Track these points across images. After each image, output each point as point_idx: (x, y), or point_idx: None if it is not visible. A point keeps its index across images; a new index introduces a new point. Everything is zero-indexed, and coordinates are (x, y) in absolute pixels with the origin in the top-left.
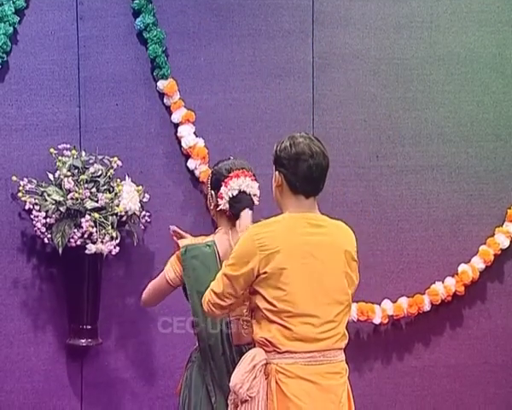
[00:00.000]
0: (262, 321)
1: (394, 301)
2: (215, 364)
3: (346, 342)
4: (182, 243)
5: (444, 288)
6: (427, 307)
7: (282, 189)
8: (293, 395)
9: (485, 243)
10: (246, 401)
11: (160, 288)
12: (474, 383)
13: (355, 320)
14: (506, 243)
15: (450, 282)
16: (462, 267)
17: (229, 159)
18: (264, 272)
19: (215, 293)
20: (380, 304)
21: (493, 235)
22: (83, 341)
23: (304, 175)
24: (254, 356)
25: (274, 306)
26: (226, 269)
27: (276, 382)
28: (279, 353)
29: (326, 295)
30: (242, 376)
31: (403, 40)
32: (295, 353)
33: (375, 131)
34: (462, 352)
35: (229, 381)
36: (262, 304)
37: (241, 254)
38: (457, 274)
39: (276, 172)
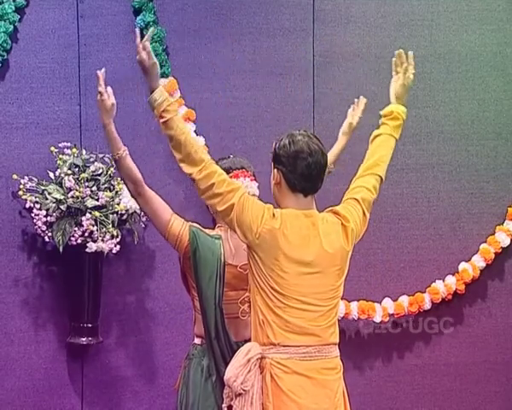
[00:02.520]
0: (258, 313)
1: (395, 300)
2: (211, 344)
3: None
4: (193, 224)
5: (444, 286)
6: (427, 306)
7: (281, 186)
8: (289, 390)
9: (485, 242)
10: (240, 394)
11: (158, 209)
12: (474, 382)
13: (355, 319)
14: (507, 242)
15: (451, 280)
16: (462, 266)
17: (229, 157)
18: (257, 253)
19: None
20: (380, 302)
21: (494, 233)
22: (83, 339)
23: (302, 173)
24: (249, 350)
25: (268, 297)
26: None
27: (272, 376)
28: (274, 346)
29: (319, 292)
30: (237, 369)
31: (403, 38)
32: (290, 347)
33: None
34: (463, 350)
35: (224, 368)
36: (257, 292)
37: (249, 207)
38: (458, 272)
39: (275, 170)
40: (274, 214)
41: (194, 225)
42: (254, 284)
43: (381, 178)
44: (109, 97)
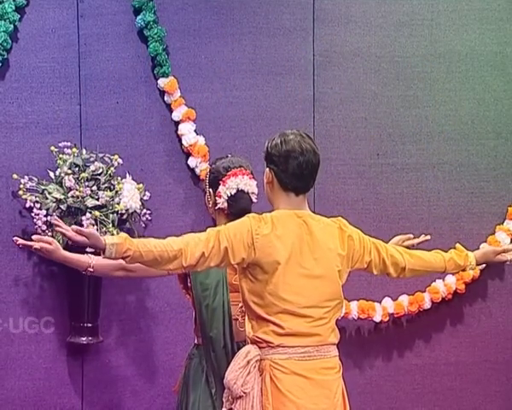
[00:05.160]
0: (254, 320)
1: (395, 299)
2: (215, 356)
3: (339, 337)
4: None
5: (444, 286)
6: (427, 305)
7: (273, 185)
8: (288, 391)
9: (485, 241)
10: (240, 397)
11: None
12: (474, 381)
13: (355, 318)
14: (507, 241)
15: (451, 280)
16: None
17: (227, 157)
18: (254, 265)
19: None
20: (380, 302)
21: (494, 233)
22: (83, 339)
23: (294, 172)
24: (248, 352)
25: (262, 299)
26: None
27: (271, 378)
28: (272, 348)
29: (316, 295)
30: (236, 372)
31: (403, 38)
32: (289, 347)
33: (375, 129)
34: (463, 350)
35: None
36: (249, 297)
37: (236, 232)
38: (458, 272)
39: (267, 169)
40: (262, 219)
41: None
42: (251, 296)
43: (405, 264)
44: (46, 243)
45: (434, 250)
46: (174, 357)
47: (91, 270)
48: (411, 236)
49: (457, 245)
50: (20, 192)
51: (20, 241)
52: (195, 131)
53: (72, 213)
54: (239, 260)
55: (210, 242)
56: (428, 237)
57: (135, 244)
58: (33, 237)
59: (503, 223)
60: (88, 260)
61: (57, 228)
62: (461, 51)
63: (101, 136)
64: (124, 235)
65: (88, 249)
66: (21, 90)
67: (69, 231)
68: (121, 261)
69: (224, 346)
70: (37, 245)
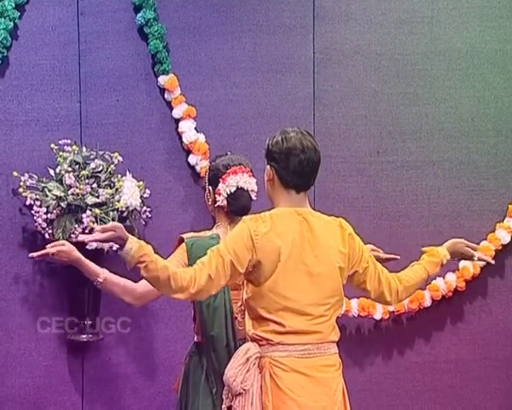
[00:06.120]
0: (254, 318)
1: None
2: (216, 355)
3: (339, 335)
4: (186, 235)
5: (445, 283)
6: (427, 303)
7: (274, 183)
8: (288, 389)
9: (485, 239)
10: (240, 394)
11: None
12: (474, 379)
13: (356, 316)
14: (507, 239)
15: (451, 277)
16: (462, 263)
17: (227, 154)
18: (257, 265)
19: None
20: None
21: (494, 230)
22: (84, 336)
23: (295, 170)
24: (248, 349)
25: (263, 298)
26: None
27: (271, 375)
28: (272, 345)
29: (317, 292)
30: (236, 369)
31: (404, 35)
32: (289, 345)
33: (375, 127)
34: (463, 347)
35: None
36: (252, 297)
37: (236, 240)
38: (458, 270)
39: (268, 167)
40: (260, 218)
41: (189, 235)
42: (252, 296)
43: (397, 288)
44: (60, 245)
45: (410, 264)
46: (174, 355)
47: (100, 281)
48: (381, 251)
49: (423, 248)
50: (21, 190)
51: (36, 254)
52: (196, 128)
53: (73, 211)
54: (246, 265)
55: (212, 263)
56: (398, 257)
57: (154, 256)
58: (47, 246)
59: (503, 221)
60: (101, 271)
61: (88, 241)
62: (461, 49)
63: (101, 133)
64: (147, 245)
65: (88, 243)
66: (21, 88)
67: (98, 234)
68: (132, 284)
69: (227, 345)
70: (53, 250)
